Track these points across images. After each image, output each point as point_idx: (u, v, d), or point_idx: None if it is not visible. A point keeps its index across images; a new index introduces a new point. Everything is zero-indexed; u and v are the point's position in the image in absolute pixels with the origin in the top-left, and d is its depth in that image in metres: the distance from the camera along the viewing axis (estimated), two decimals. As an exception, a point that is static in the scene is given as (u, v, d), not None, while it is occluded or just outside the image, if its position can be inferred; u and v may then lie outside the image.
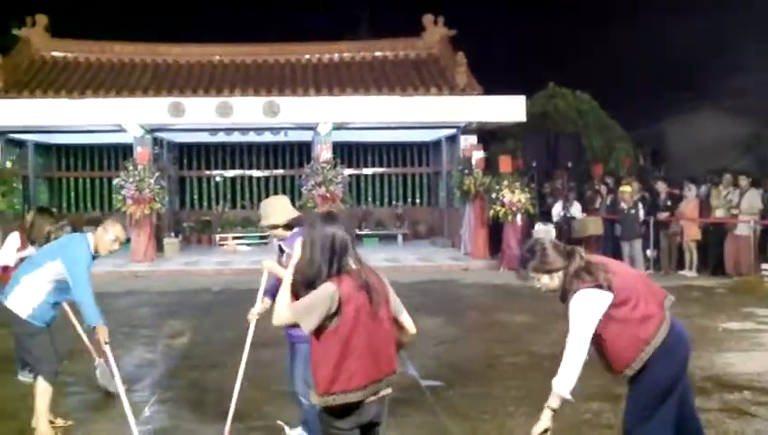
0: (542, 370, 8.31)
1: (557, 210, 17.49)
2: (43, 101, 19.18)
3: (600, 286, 4.30)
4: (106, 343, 6.24)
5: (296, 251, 4.02)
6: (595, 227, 16.70)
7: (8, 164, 19.25)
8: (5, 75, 20.15)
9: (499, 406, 7.11)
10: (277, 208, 5.98)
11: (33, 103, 18.88)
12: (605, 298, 4.30)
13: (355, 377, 3.80)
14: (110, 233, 6.32)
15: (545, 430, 4.30)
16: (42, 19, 22.79)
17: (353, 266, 3.90)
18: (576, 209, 17.33)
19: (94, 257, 6.35)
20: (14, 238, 7.52)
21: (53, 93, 19.89)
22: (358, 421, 3.89)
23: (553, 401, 4.30)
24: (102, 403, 7.32)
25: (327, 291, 3.79)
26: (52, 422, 6.50)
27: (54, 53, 22.73)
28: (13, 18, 23.41)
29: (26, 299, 6.24)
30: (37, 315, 6.27)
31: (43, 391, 6.29)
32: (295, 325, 3.89)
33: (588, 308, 4.28)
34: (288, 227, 5.91)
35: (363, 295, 3.82)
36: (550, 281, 4.48)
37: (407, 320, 4.13)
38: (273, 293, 5.75)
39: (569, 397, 4.27)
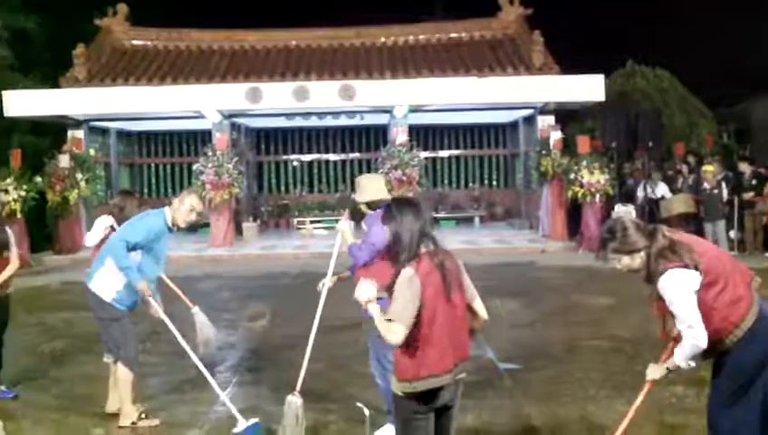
0: (624, 354, 8.21)
1: (642, 191, 17.10)
2: (124, 89, 19.57)
3: (686, 266, 4.17)
4: (149, 296, 6.30)
5: (371, 231, 4.07)
6: (685, 205, 16.21)
7: (91, 151, 19.74)
8: (88, 65, 20.61)
9: (579, 389, 7.02)
10: (365, 186, 6.14)
11: (115, 92, 19.28)
12: (694, 278, 4.18)
13: (439, 362, 3.84)
14: (185, 204, 6.34)
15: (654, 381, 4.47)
16: (122, 8, 23.23)
17: (430, 247, 3.93)
18: (662, 189, 16.89)
19: (171, 230, 6.39)
20: (105, 220, 7.53)
21: (134, 81, 20.27)
22: (433, 404, 3.92)
23: (671, 364, 4.34)
24: (184, 386, 7.44)
25: (409, 280, 3.81)
26: (140, 418, 6.46)
27: (134, 42, 23.15)
28: (94, 8, 23.90)
29: (110, 282, 6.27)
30: (120, 299, 6.30)
31: (124, 376, 6.36)
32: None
33: (681, 286, 4.17)
34: (372, 206, 6.01)
35: (438, 277, 3.85)
36: (631, 261, 4.37)
37: (480, 306, 4.11)
38: (351, 269, 6.14)
39: (688, 366, 4.28)
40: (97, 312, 6.36)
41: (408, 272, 3.84)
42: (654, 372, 4.46)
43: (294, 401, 5.97)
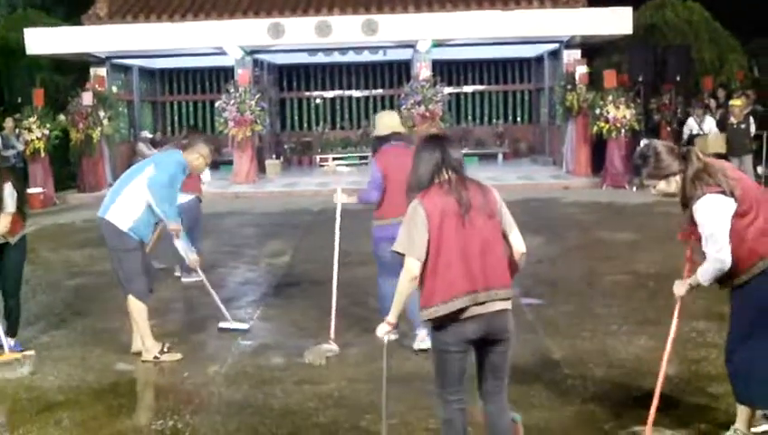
0: (646, 289, 8.17)
1: (690, 126, 16.68)
2: (145, 25, 19.42)
3: (723, 193, 4.16)
4: (176, 235, 6.73)
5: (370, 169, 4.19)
6: (719, 144, 15.93)
7: (114, 89, 19.73)
8: (109, 1, 20.47)
9: (600, 324, 6.99)
10: (378, 122, 6.66)
11: (137, 28, 19.12)
12: (730, 205, 4.16)
13: (450, 287, 3.81)
14: (195, 151, 6.70)
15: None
16: (143, -57, 23.01)
17: (445, 177, 3.93)
18: (709, 124, 16.43)
19: (185, 172, 6.62)
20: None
21: (156, 18, 20.10)
22: (463, 336, 3.86)
23: (693, 280, 4.38)
24: (203, 322, 7.49)
25: (413, 210, 3.89)
26: (138, 353, 6.55)
27: (156, -23, 22.95)
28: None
29: (127, 212, 6.31)
30: (136, 229, 6.34)
31: (138, 310, 6.39)
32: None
33: (717, 211, 4.15)
34: (385, 139, 6.44)
35: (451, 201, 3.85)
36: (667, 186, 4.35)
37: (515, 238, 4.07)
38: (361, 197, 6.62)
39: (707, 284, 4.32)
40: (112, 242, 6.38)
41: (413, 203, 3.90)
42: (678, 287, 4.51)
43: (330, 347, 6.47)
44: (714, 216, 4.13)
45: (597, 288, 8.39)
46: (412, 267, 3.85)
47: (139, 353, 6.51)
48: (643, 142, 15.58)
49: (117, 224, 6.30)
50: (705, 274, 4.24)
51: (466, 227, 3.83)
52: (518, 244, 4.06)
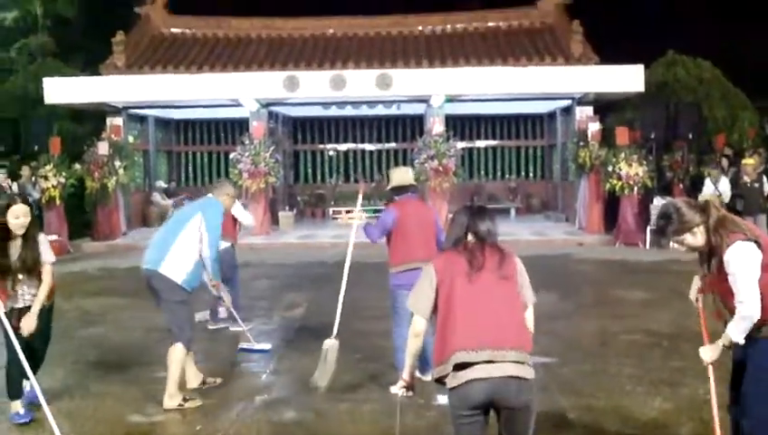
0: (661, 349, 8.12)
1: (707, 188, 16.60)
2: (162, 76, 19.68)
3: (749, 240, 4.20)
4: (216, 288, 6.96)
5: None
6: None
7: (130, 139, 19.92)
8: (127, 52, 20.78)
9: (615, 384, 6.94)
10: (392, 176, 7.10)
11: (154, 79, 19.38)
12: (758, 254, 4.20)
13: (454, 343, 3.74)
14: (224, 191, 7.44)
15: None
16: (161, -4, 23.44)
17: (468, 242, 3.99)
18: (724, 185, 16.33)
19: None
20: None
21: (173, 69, 20.39)
22: (469, 399, 3.71)
23: (725, 340, 4.33)
24: (221, 372, 7.48)
25: (425, 272, 4.00)
26: (203, 383, 6.95)
27: (173, 30, 23.33)
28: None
29: (180, 265, 6.47)
30: (189, 281, 6.52)
31: (178, 358, 6.53)
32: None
33: (749, 259, 4.18)
34: (400, 191, 6.89)
35: (462, 261, 3.89)
36: (693, 239, 4.38)
37: (529, 316, 4.04)
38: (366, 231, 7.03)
39: (741, 341, 4.27)
40: (165, 295, 6.49)
41: (427, 265, 4.03)
42: (706, 353, 4.47)
43: (331, 343, 6.77)
44: (746, 263, 4.17)
45: (611, 347, 8.34)
46: (416, 324, 3.96)
47: (199, 387, 6.89)
48: (657, 201, 15.62)
49: (172, 277, 6.43)
50: (737, 329, 4.23)
51: (475, 288, 3.82)
52: (529, 323, 4.03)
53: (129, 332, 9.35)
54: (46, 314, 6.22)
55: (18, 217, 5.83)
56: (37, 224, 6.15)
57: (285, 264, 15.00)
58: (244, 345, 7.65)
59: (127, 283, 12.96)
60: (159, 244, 6.59)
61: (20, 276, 5.90)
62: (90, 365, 7.91)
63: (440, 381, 3.84)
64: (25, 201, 6.00)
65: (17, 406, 6.18)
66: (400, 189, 6.93)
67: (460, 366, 3.69)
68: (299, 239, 18.52)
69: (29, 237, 5.90)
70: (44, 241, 6.06)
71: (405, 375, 4.10)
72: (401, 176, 7.04)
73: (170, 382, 6.52)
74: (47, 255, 6.00)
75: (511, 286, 3.92)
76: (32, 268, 5.90)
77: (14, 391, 6.18)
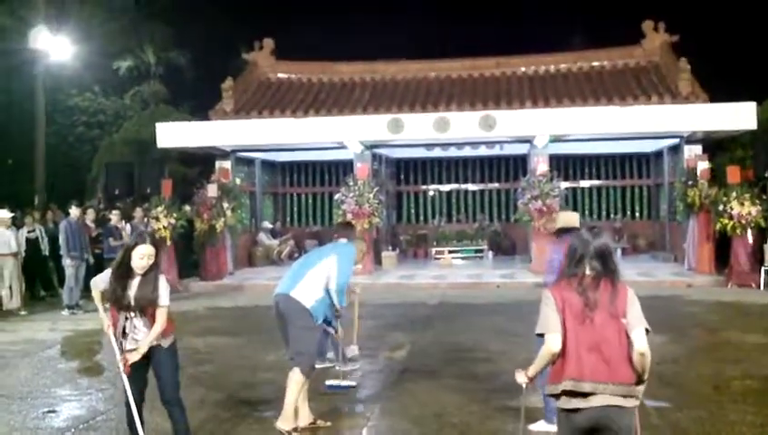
0: (780, 395, 7.79)
1: None
2: (269, 120, 20.18)
3: None
4: (338, 316, 7.52)
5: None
6: None
7: (238, 181, 20.39)
8: (236, 97, 21.38)
9: (733, 432, 6.68)
10: (562, 218, 7.42)
11: (261, 123, 19.89)
12: None
13: (566, 371, 4.11)
14: (359, 247, 7.92)
15: None
16: (268, 43, 24.14)
17: (586, 273, 4.23)
18: None
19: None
20: None
21: (279, 113, 20.87)
22: (578, 424, 4.14)
23: None
24: (334, 409, 7.52)
25: (545, 298, 4.27)
26: (313, 423, 7.02)
27: (280, 75, 23.93)
28: (242, 43, 24.85)
29: (310, 292, 6.86)
30: (317, 309, 6.86)
31: (297, 382, 6.73)
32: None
33: None
34: (566, 232, 6.93)
35: (577, 298, 4.16)
36: None
37: (636, 336, 4.12)
38: None
39: None
40: (292, 318, 6.80)
41: (544, 292, 4.30)
42: None
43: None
44: None
45: (725, 392, 8.04)
46: (552, 342, 4.15)
47: (307, 429, 6.93)
48: (767, 246, 15.13)
49: (301, 301, 6.81)
50: None
51: (586, 325, 4.11)
52: (637, 342, 4.10)
53: (237, 370, 9.50)
54: (171, 357, 5.96)
55: (143, 257, 5.67)
56: (159, 266, 5.88)
57: (388, 304, 15.00)
58: (331, 382, 7.84)
59: (233, 322, 13.22)
60: (293, 274, 7.05)
61: (132, 314, 5.78)
62: (201, 403, 8.00)
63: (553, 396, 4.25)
64: (154, 242, 5.81)
65: None
66: (566, 230, 7.07)
67: (569, 393, 4.12)
68: (401, 279, 18.57)
69: (148, 278, 5.74)
70: (164, 284, 5.84)
71: (530, 372, 4.35)
72: (568, 218, 7.36)
73: (286, 405, 6.73)
74: (164, 298, 5.79)
75: (620, 324, 4.13)
76: (144, 308, 5.74)
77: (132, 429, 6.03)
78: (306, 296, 6.81)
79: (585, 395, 4.07)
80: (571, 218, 7.34)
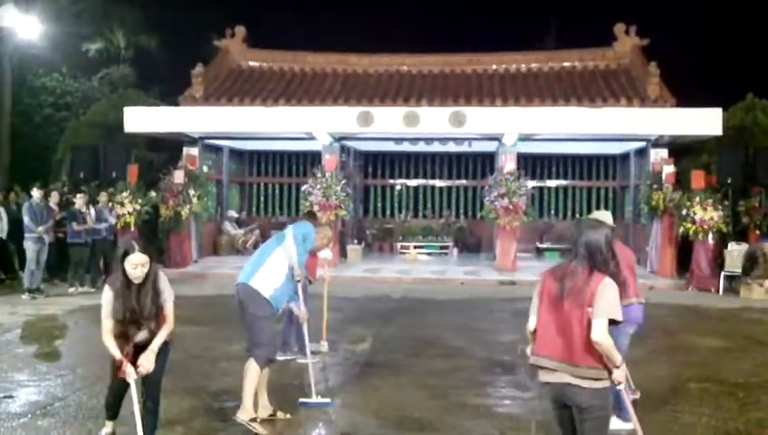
0: (737, 400, 7.90)
1: None
2: (239, 108, 20.07)
3: None
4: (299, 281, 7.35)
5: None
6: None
7: (205, 169, 20.27)
8: (205, 84, 21.25)
9: (690, 434, 6.76)
10: (596, 216, 7.21)
11: (230, 111, 19.78)
12: None
13: (536, 348, 4.65)
14: (324, 234, 7.89)
15: None
16: (240, 31, 23.96)
17: (571, 262, 4.58)
18: None
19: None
20: None
21: (249, 101, 20.76)
22: (552, 395, 4.64)
23: None
24: (295, 401, 7.51)
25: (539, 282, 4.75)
26: (272, 415, 7.00)
27: (251, 63, 23.81)
28: (213, 29, 24.69)
29: (270, 280, 6.79)
30: (276, 297, 6.78)
31: (253, 373, 6.68)
32: None
33: None
34: None
35: (555, 286, 4.57)
36: None
37: (595, 325, 4.41)
38: None
39: None
40: (251, 308, 6.73)
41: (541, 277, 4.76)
42: None
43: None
44: None
45: (683, 395, 8.14)
46: (529, 322, 4.73)
47: (266, 420, 6.89)
48: (731, 246, 15.35)
49: (260, 290, 6.73)
50: None
51: (557, 310, 4.53)
52: (594, 332, 4.40)
53: (199, 360, 9.44)
54: (164, 355, 5.85)
55: (136, 266, 5.47)
56: (156, 270, 5.65)
57: (352, 297, 15.00)
58: (305, 400, 7.56)
59: (196, 311, 13.14)
60: (252, 263, 6.97)
61: (142, 326, 5.61)
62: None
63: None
64: (145, 249, 5.52)
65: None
66: None
67: (540, 367, 4.64)
68: (366, 273, 18.58)
69: (146, 286, 5.56)
70: (165, 281, 5.71)
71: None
72: (602, 217, 7.11)
73: (244, 396, 6.69)
74: (170, 297, 5.70)
75: (584, 313, 4.44)
76: (147, 317, 5.58)
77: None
78: (265, 285, 6.75)
79: (551, 371, 4.53)
80: (605, 218, 7.25)
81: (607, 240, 4.58)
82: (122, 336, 5.61)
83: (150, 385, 5.84)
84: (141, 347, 5.66)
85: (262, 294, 6.71)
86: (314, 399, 7.55)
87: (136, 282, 5.53)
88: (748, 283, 15.53)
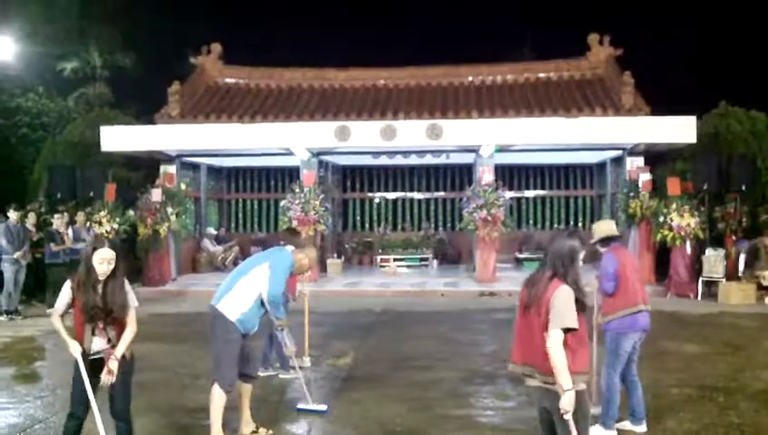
0: (717, 405, 7.95)
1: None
2: (215, 125, 20.02)
3: None
4: (282, 329, 7.37)
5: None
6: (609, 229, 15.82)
7: (182, 186, 20.19)
8: (182, 101, 21.21)
9: (670, 440, 6.81)
10: (600, 228, 7.43)
11: (207, 128, 19.71)
12: None
13: (512, 352, 4.90)
14: (306, 256, 7.34)
15: None
16: (216, 47, 23.98)
17: (545, 273, 4.74)
18: None
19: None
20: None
21: (226, 118, 20.74)
22: (533, 395, 4.91)
23: None
24: (278, 416, 7.49)
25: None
26: (255, 431, 6.97)
27: (227, 80, 23.80)
28: (189, 47, 24.65)
29: (237, 304, 6.66)
30: (243, 321, 6.66)
31: (218, 398, 6.59)
32: None
33: None
34: (605, 242, 7.20)
35: (524, 291, 4.83)
36: None
37: (549, 335, 4.56)
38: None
39: None
40: (217, 330, 6.66)
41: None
42: None
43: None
44: None
45: (664, 401, 8.20)
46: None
47: (251, 434, 6.94)
48: (708, 252, 15.41)
49: (225, 313, 6.63)
50: None
51: (524, 314, 4.78)
52: (548, 341, 4.56)
53: (178, 378, 9.40)
54: (129, 369, 5.85)
55: (103, 262, 5.50)
56: (122, 269, 5.69)
57: (332, 311, 14.98)
58: (302, 405, 7.66)
59: (175, 329, 13.09)
60: (224, 285, 6.85)
61: (101, 325, 5.62)
62: (135, 413, 7.89)
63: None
64: (113, 246, 5.60)
65: None
66: (609, 240, 7.23)
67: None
68: (346, 287, 18.56)
69: (112, 284, 5.58)
70: (129, 286, 5.73)
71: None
72: (607, 227, 7.41)
73: (211, 422, 6.64)
74: (133, 300, 5.74)
75: (542, 320, 4.60)
76: (110, 313, 5.58)
77: None
78: (231, 309, 6.65)
79: (528, 376, 4.76)
80: (611, 227, 7.43)
81: (571, 249, 4.68)
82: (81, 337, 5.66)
83: (117, 402, 5.79)
84: (99, 363, 5.63)
85: (227, 317, 6.63)
86: (311, 405, 7.67)
87: (101, 278, 5.55)
88: (756, 275, 15.72)
